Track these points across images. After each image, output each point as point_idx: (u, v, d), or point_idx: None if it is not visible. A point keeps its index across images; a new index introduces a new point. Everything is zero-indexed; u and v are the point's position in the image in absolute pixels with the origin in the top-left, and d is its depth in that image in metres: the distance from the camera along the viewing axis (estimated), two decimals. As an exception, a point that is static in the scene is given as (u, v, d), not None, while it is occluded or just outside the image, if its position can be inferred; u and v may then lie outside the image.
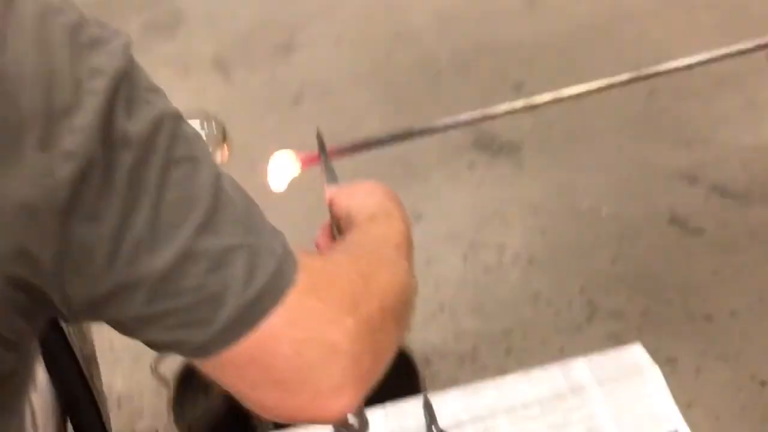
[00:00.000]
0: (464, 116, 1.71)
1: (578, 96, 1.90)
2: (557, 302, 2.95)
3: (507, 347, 2.82)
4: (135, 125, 0.82)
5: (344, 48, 4.16)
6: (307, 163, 1.40)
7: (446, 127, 1.71)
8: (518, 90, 3.83)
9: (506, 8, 4.36)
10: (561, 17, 4.24)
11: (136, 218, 0.82)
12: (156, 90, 0.88)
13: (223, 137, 1.47)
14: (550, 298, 2.96)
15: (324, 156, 1.41)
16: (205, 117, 1.49)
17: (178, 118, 0.86)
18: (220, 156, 1.47)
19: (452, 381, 2.70)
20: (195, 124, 1.38)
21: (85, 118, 0.79)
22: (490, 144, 3.55)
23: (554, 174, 3.43)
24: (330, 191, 1.30)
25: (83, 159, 0.79)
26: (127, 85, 0.83)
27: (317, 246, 1.26)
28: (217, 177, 0.87)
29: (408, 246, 1.12)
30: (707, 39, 3.96)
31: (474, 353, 2.82)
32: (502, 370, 2.76)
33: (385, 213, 1.15)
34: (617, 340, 2.82)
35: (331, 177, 1.34)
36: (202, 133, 1.38)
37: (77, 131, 0.79)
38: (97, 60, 0.81)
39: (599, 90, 1.95)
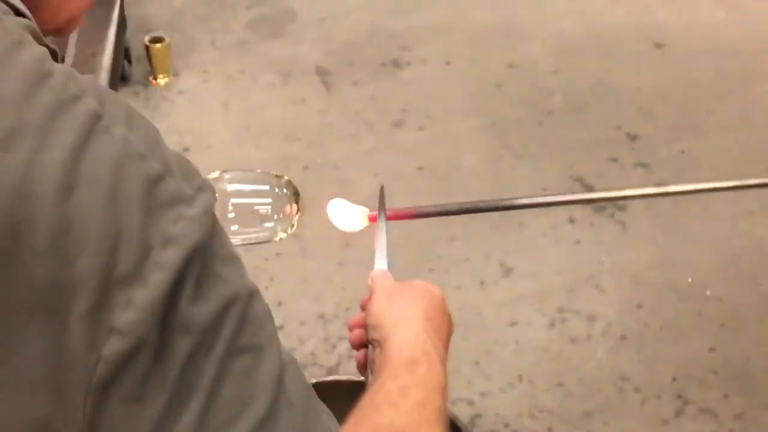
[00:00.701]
0: (543, 198, 1.60)
1: (682, 193, 1.71)
2: (645, 389, 2.72)
3: (585, 434, 2.61)
4: (201, 309, 0.73)
5: (454, 72, 3.96)
6: (373, 220, 1.35)
7: (515, 206, 1.58)
8: (632, 142, 3.60)
9: (632, 48, 4.12)
10: (689, 65, 3.99)
11: (184, 411, 0.72)
12: (232, 259, 0.79)
13: (295, 198, 1.34)
14: (639, 384, 2.73)
15: (382, 222, 1.33)
16: (276, 180, 1.36)
17: (250, 297, 0.78)
18: (290, 217, 1.33)
19: (520, 464, 2.52)
20: (265, 187, 1.32)
21: (146, 294, 0.70)
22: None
23: (660, 241, 3.19)
24: (375, 274, 1.23)
25: (134, 339, 0.70)
26: (201, 260, 0.73)
27: (350, 329, 1.23)
28: (281, 369, 0.78)
29: (444, 396, 1.03)
30: None
31: (548, 435, 2.61)
32: (575, 460, 2.59)
33: (426, 356, 1.05)
34: (706, 442, 2.60)
35: (382, 249, 1.28)
36: (270, 199, 1.30)
37: (134, 308, 0.69)
38: (173, 226, 0.72)
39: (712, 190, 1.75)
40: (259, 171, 1.40)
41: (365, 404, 0.99)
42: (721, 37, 4.13)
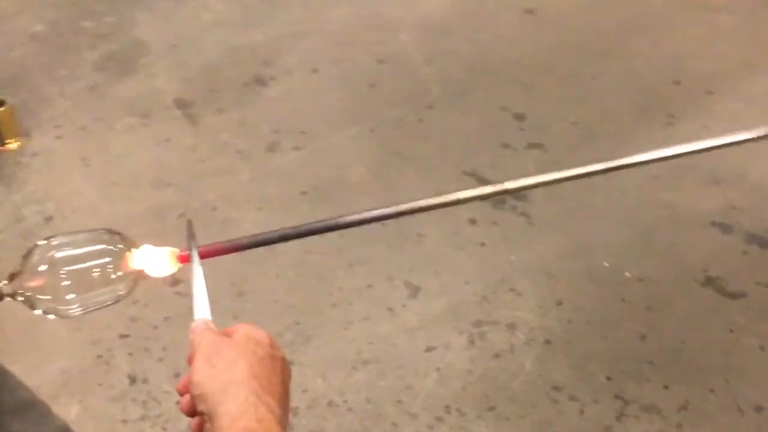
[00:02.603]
0: (383, 210, 1.37)
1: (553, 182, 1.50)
2: (581, 396, 2.53)
3: (527, 459, 2.41)
4: None
5: (323, 79, 3.72)
6: (185, 260, 1.20)
7: (341, 226, 1.34)
8: (520, 122, 3.40)
9: (502, 19, 3.93)
10: (565, 28, 3.80)
11: None
12: (25, 407, 0.79)
13: (129, 249, 1.20)
14: (573, 391, 2.54)
15: (196, 262, 1.17)
16: (108, 237, 1.20)
17: None
18: (129, 273, 1.19)
19: None
20: (98, 246, 1.20)
21: None
22: (493, 193, 3.11)
23: (568, 226, 3.00)
24: (195, 326, 1.08)
25: None
26: None
27: (179, 394, 1.06)
28: None
29: None
30: (728, 45, 3.54)
31: (488, 469, 2.41)
32: (523, 492, 2.38)
33: (261, 423, 0.94)
34: (655, 442, 2.42)
35: (200, 293, 1.13)
36: (107, 258, 1.18)
37: None
38: None
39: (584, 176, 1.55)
40: (86, 231, 1.21)
41: None
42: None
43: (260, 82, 3.72)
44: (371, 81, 3.66)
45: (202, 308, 1.11)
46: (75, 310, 1.18)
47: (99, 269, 1.17)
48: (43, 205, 3.22)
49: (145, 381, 2.66)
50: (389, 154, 3.34)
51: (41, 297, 1.16)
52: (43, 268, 1.16)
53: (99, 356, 2.74)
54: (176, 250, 1.21)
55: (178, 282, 2.85)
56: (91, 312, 1.19)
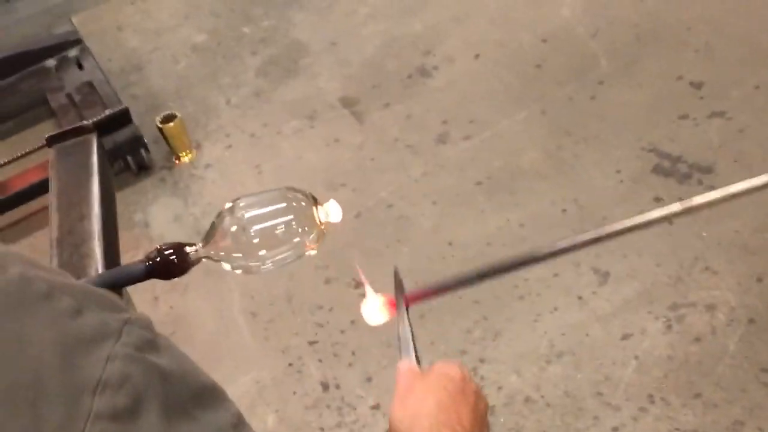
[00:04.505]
0: (582, 236, 1.28)
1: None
2: (794, 376, 2.40)
3: (741, 448, 2.29)
4: None
5: (487, 63, 3.63)
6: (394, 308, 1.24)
7: (553, 254, 1.31)
8: (698, 91, 3.24)
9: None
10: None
11: None
12: (202, 393, 0.68)
13: (314, 204, 1.25)
14: (785, 372, 2.41)
15: (401, 310, 1.22)
16: (292, 194, 1.26)
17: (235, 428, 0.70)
18: (315, 226, 1.25)
19: (680, 504, 2.22)
20: (282, 205, 1.24)
21: None
22: (675, 167, 2.99)
23: (761, 196, 2.83)
24: (399, 369, 1.13)
25: None
26: (158, 404, 0.62)
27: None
28: None
29: None
30: None
31: (700, 459, 2.30)
32: (739, 482, 2.26)
33: None
34: None
35: (405, 339, 1.18)
36: (291, 215, 1.23)
37: None
38: (105, 367, 0.60)
39: None
40: (272, 190, 1.27)
41: None
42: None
43: (423, 72, 3.66)
44: (536, 61, 3.55)
45: (407, 351, 1.17)
46: (267, 265, 1.23)
47: (285, 225, 1.22)
48: (221, 216, 3.25)
49: (337, 387, 2.66)
50: (562, 135, 3.23)
51: (234, 255, 1.22)
52: (233, 228, 1.21)
53: (290, 364, 2.75)
54: (386, 299, 1.24)
55: (361, 285, 2.83)
56: (280, 267, 1.24)
